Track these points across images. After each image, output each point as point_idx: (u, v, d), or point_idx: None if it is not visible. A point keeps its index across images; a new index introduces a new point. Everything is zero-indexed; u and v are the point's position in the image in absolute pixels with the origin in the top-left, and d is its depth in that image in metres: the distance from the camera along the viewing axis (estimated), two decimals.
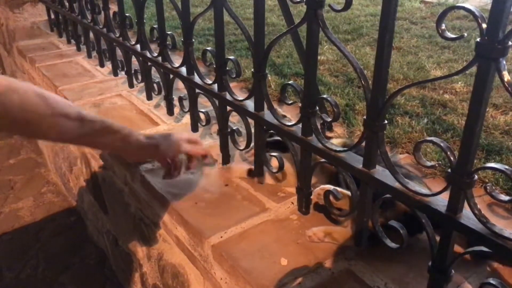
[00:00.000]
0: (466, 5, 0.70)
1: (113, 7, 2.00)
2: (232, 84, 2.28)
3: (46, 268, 2.36)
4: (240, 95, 1.36)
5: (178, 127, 1.77)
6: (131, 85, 2.10)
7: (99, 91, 2.14)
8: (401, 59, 2.59)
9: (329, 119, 1.04)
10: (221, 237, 1.19)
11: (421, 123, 1.79)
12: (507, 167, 0.71)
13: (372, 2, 4.12)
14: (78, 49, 2.66)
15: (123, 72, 2.13)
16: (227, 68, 1.35)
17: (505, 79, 0.67)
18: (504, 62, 0.68)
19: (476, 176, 0.77)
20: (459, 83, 2.21)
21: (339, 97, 2.04)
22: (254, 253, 1.13)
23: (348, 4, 0.89)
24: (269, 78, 2.27)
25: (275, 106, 1.24)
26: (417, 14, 3.65)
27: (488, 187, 0.75)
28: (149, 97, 1.94)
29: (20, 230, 2.62)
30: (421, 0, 4.16)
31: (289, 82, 1.13)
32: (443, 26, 0.74)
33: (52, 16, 2.92)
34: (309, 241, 1.15)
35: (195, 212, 1.29)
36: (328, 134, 1.73)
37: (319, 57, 2.66)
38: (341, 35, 3.13)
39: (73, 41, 2.71)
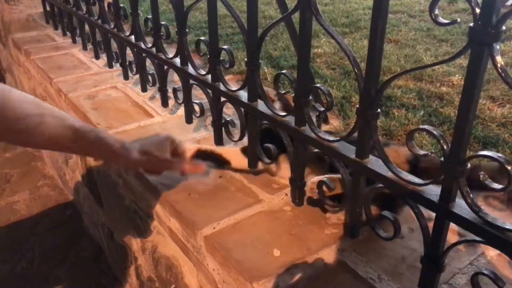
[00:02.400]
0: None
1: None
2: (228, 77, 2.29)
3: (42, 261, 2.36)
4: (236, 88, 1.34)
5: (172, 119, 1.76)
6: (126, 77, 2.08)
7: (94, 83, 2.12)
8: (399, 52, 2.58)
9: (322, 109, 1.03)
10: (214, 228, 1.18)
11: (418, 115, 1.78)
12: (500, 154, 0.70)
13: None
14: (74, 41, 2.64)
15: (118, 64, 2.11)
16: (221, 58, 1.33)
17: (498, 65, 0.66)
18: (498, 47, 0.67)
19: (469, 165, 0.76)
20: (456, 75, 2.20)
21: (335, 89, 2.03)
22: (247, 244, 1.12)
23: None
24: (266, 70, 2.26)
25: None
26: (416, 8, 3.64)
27: (481, 176, 0.74)
28: (143, 89, 1.92)
29: (16, 224, 2.62)
30: None
31: (283, 71, 1.11)
32: (436, 11, 0.72)
33: (48, 8, 2.89)
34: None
35: (188, 204, 1.27)
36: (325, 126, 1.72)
37: (316, 50, 2.65)
38: (339, 28, 3.11)
39: (68, 33, 2.69)
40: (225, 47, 1.30)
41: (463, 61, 2.32)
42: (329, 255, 1.08)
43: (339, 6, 3.68)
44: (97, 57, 2.35)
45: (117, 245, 2.02)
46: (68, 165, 2.52)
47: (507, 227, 0.71)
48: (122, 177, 1.65)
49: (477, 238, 0.76)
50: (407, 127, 1.68)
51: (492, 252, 1.07)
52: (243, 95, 1.28)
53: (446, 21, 0.72)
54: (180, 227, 1.27)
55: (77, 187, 2.52)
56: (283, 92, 1.14)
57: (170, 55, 1.59)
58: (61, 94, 2.07)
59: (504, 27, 0.65)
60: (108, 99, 1.95)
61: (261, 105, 1.22)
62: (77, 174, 2.39)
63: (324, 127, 1.68)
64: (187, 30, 1.48)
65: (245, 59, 1.20)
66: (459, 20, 0.71)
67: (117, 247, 2.03)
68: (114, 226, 2.03)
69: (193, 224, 1.20)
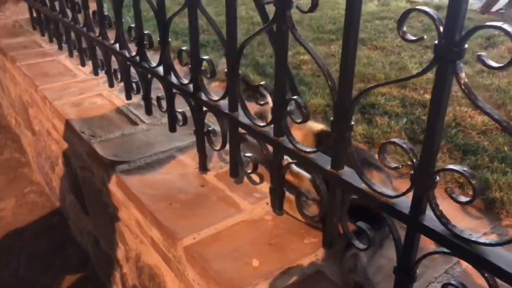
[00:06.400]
0: (426, 8, 0.71)
1: (93, 6, 1.97)
2: (214, 85, 2.29)
3: (28, 268, 2.34)
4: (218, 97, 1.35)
5: (157, 127, 1.76)
6: (111, 85, 2.08)
7: (79, 90, 2.12)
8: (384, 59, 2.60)
9: (298, 120, 1.04)
10: (194, 238, 1.18)
11: (400, 123, 1.80)
12: (465, 168, 0.71)
13: None
14: (60, 48, 2.63)
15: (103, 72, 2.11)
16: (203, 68, 1.34)
17: (462, 81, 0.68)
18: (461, 65, 0.68)
19: (437, 178, 0.78)
20: None
21: (319, 97, 2.04)
22: (227, 255, 1.12)
23: (314, 6, 0.89)
24: (252, 77, 2.27)
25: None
26: None
27: (448, 189, 0.75)
28: (128, 97, 1.92)
29: (2, 231, 2.59)
30: (407, 0, 4.17)
31: (261, 83, 1.12)
32: (404, 28, 0.74)
33: (35, 14, 2.89)
34: None
35: (170, 213, 1.28)
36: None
37: (302, 57, 2.67)
38: (326, 35, 3.13)
39: (55, 40, 2.69)
40: (205, 57, 1.30)
41: None
42: (307, 265, 1.09)
43: (327, 12, 3.71)
44: (83, 64, 2.35)
45: (103, 252, 2.02)
46: (54, 171, 2.51)
47: (472, 239, 0.72)
48: (106, 185, 1.65)
49: (446, 250, 0.77)
50: (389, 135, 1.69)
51: None
52: (225, 104, 1.29)
53: (413, 38, 0.74)
54: (161, 237, 1.28)
55: (63, 194, 2.51)
56: (261, 103, 1.15)
57: (154, 64, 1.59)
58: (46, 101, 2.07)
59: (466, 45, 0.67)
60: (93, 107, 1.95)
61: (241, 115, 1.23)
62: (63, 180, 2.38)
63: None
64: (169, 39, 1.48)
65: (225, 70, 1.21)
66: (425, 37, 0.72)
67: (103, 255, 2.03)
68: (100, 234, 2.02)
69: (173, 234, 1.20)
